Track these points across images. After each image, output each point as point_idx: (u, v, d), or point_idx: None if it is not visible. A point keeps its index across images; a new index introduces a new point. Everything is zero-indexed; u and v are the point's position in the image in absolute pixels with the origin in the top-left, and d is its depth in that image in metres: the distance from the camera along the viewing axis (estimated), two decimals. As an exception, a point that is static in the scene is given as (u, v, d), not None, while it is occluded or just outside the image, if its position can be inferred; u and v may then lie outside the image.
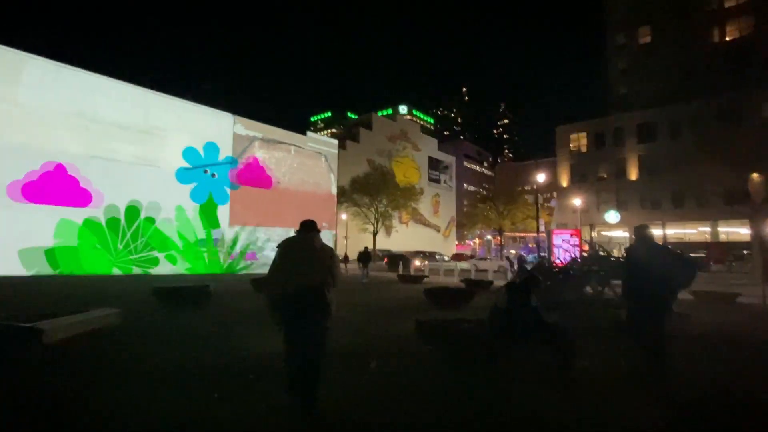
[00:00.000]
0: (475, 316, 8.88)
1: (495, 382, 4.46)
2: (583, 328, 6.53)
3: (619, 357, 5.30)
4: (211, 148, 23.02)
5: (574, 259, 12.00)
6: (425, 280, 20.34)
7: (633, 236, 4.88)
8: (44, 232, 17.01)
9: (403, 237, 59.74)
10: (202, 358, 5.10)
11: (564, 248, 17.25)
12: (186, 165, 21.73)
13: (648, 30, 40.37)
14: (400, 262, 25.36)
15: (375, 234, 47.53)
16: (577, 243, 17.38)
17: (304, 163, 28.07)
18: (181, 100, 22.50)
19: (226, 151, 23.75)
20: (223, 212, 23.19)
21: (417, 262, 25.99)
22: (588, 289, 11.01)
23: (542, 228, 51.89)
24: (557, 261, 15.39)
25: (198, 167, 22.16)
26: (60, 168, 17.71)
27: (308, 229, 3.62)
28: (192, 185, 21.93)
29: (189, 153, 21.98)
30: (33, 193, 16.96)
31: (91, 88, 18.95)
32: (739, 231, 33.17)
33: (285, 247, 3.56)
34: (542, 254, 45.73)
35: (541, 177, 21.84)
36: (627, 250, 5.11)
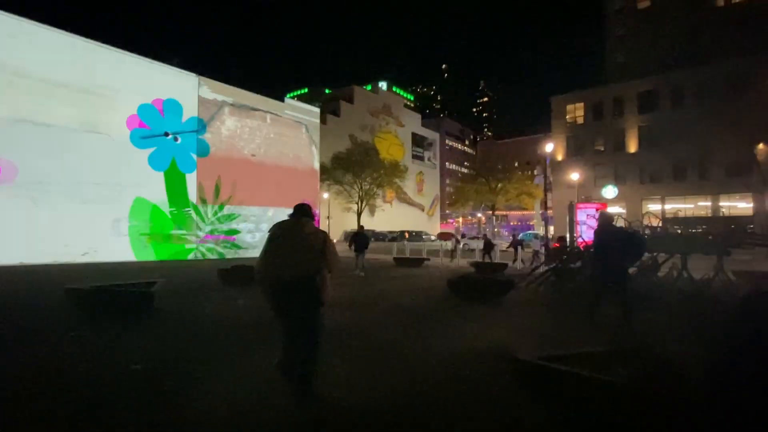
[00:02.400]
0: (533, 317, 6.10)
1: None
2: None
3: None
4: (173, 106, 19.47)
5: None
6: (425, 263, 17.99)
7: (599, 221, 6.03)
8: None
9: (387, 216, 57.24)
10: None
11: (589, 225, 14.99)
12: (144, 125, 18.26)
13: (648, -7, 38.04)
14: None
15: (359, 213, 44.83)
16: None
17: (283, 134, 24.75)
18: (132, 55, 18.73)
19: (190, 116, 20.27)
20: (190, 184, 19.94)
21: None
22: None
23: (531, 206, 50.18)
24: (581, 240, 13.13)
25: (157, 135, 18.68)
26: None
27: (298, 212, 3.41)
28: (151, 150, 18.48)
29: (146, 111, 18.42)
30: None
31: (12, 33, 15.14)
32: (737, 205, 32.02)
33: (273, 233, 3.34)
34: (536, 233, 44.02)
35: (549, 147, 19.43)
36: (595, 232, 6.09)
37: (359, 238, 13.51)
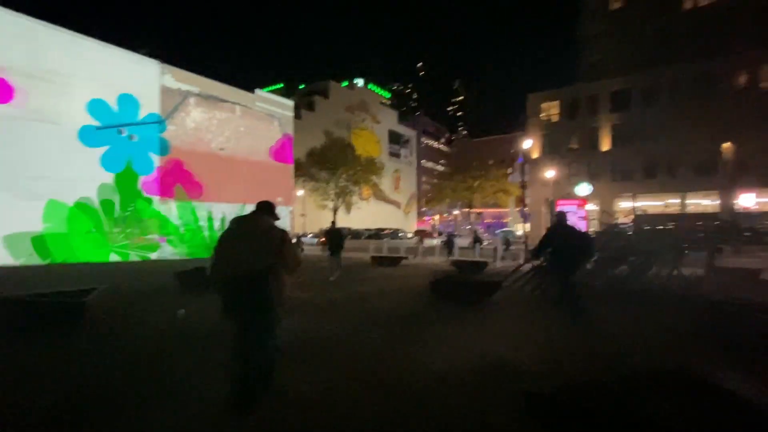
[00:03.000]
0: (522, 321, 5.31)
1: None
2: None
3: None
4: (127, 101, 18.02)
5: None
6: (403, 261, 17.38)
7: (554, 219, 6.59)
8: None
9: (364, 214, 56.43)
10: None
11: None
12: (93, 122, 16.75)
13: (621, -6, 38.66)
14: None
15: (335, 210, 43.86)
16: (585, 215, 14.91)
17: (254, 127, 23.59)
18: (88, 38, 17.20)
19: (150, 108, 18.87)
20: (148, 185, 18.51)
21: None
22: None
23: (507, 203, 50.52)
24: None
25: (111, 126, 17.23)
26: None
27: (258, 209, 3.29)
28: (103, 149, 17.03)
29: (96, 107, 16.94)
30: None
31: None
32: (702, 203, 32.87)
33: (227, 229, 3.19)
34: (506, 229, 44.13)
35: (528, 143, 19.20)
36: (549, 229, 6.49)
37: (333, 237, 11.96)
